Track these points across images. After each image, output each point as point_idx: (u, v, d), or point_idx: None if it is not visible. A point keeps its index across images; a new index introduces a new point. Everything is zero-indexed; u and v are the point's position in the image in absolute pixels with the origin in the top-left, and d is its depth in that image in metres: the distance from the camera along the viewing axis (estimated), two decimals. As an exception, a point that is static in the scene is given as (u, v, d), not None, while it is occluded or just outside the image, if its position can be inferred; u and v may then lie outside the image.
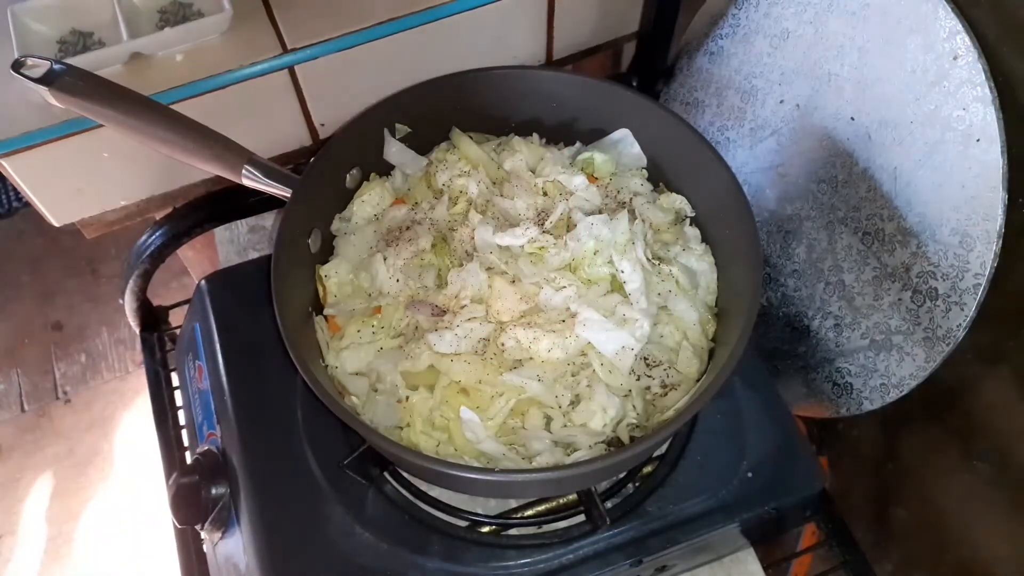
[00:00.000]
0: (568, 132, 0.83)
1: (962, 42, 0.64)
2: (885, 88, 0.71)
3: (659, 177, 0.81)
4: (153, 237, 0.90)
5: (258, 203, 0.92)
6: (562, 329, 0.68)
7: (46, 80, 0.67)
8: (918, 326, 0.71)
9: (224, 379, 0.79)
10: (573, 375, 0.68)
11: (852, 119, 0.75)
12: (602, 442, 0.66)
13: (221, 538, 0.78)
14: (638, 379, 0.68)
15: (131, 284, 0.93)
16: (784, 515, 0.75)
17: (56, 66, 0.67)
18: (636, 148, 0.81)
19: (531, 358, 0.69)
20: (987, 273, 0.65)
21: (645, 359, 0.69)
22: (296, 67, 0.82)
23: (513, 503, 0.74)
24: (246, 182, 0.71)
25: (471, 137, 0.82)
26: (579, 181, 0.77)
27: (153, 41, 0.78)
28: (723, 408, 0.76)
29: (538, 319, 0.69)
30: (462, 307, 0.70)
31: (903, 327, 0.73)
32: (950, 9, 0.64)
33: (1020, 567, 0.77)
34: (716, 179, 0.72)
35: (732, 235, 0.73)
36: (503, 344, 0.69)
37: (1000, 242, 0.63)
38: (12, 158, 0.77)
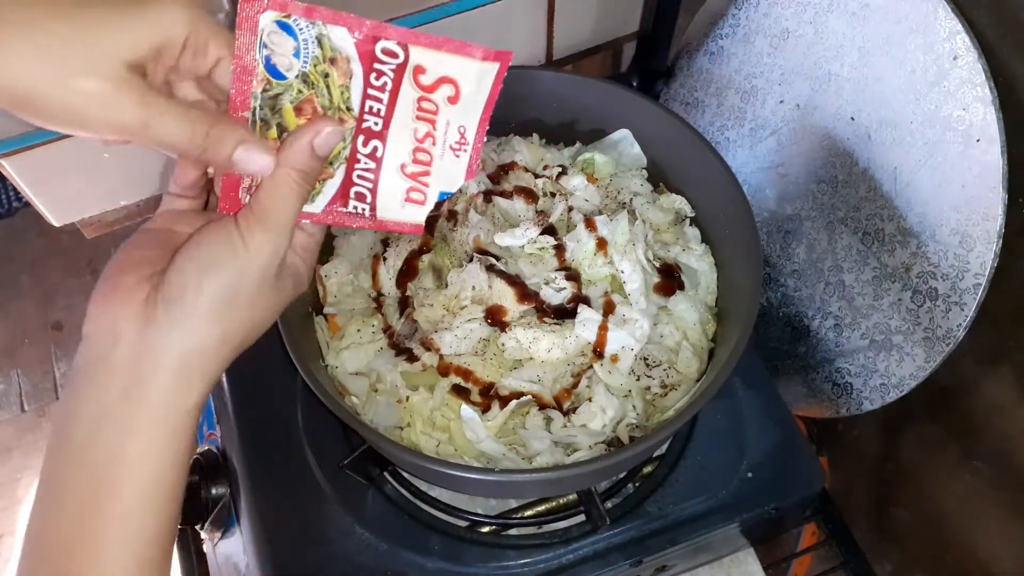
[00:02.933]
0: (568, 132, 0.83)
1: (962, 42, 0.64)
2: (885, 88, 0.71)
3: (659, 177, 0.81)
4: (153, 237, 0.90)
5: (258, 203, 0.91)
6: (562, 329, 0.68)
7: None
8: (918, 326, 0.71)
9: (224, 379, 0.79)
10: (573, 375, 0.68)
11: (852, 119, 0.75)
12: (602, 442, 0.66)
13: (221, 538, 0.78)
14: (638, 379, 0.68)
15: (131, 284, 0.93)
16: (784, 515, 0.75)
17: (56, 66, 0.67)
18: (636, 148, 0.81)
19: (531, 358, 0.69)
20: (987, 273, 0.65)
21: (645, 359, 0.69)
22: (296, 67, 0.82)
23: (513, 503, 0.74)
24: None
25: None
26: (579, 181, 0.77)
27: (153, 41, 0.78)
28: (723, 408, 0.76)
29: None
30: (462, 308, 0.70)
31: (903, 327, 0.73)
32: (950, 9, 0.64)
33: (1020, 567, 0.77)
34: (716, 179, 0.72)
35: (732, 235, 0.73)
36: (503, 344, 0.69)
37: (1000, 242, 0.63)
38: (12, 158, 0.77)
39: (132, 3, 0.38)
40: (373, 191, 0.50)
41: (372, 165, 0.49)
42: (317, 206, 0.49)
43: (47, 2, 0.36)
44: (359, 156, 0.48)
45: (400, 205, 0.51)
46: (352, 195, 0.49)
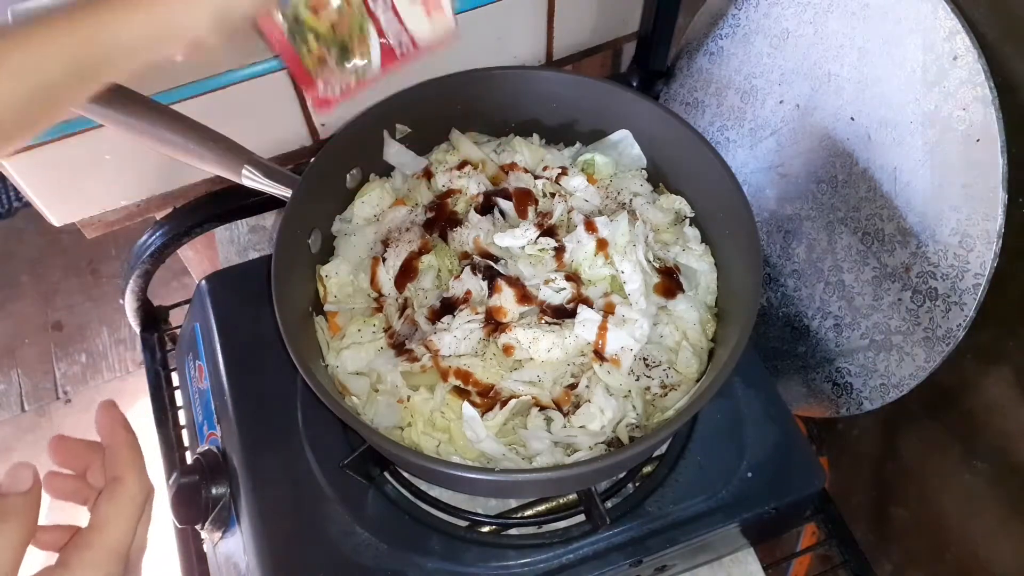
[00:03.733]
0: (568, 133, 0.83)
1: (962, 42, 0.64)
2: (885, 88, 0.71)
3: (659, 177, 0.81)
4: (153, 237, 0.90)
5: (258, 203, 0.92)
6: (561, 329, 0.68)
7: (46, 80, 0.67)
8: (918, 326, 0.71)
9: (224, 379, 0.79)
10: (573, 376, 0.68)
11: (852, 119, 0.75)
12: (602, 442, 0.66)
13: (221, 538, 0.78)
14: (637, 379, 0.68)
15: (131, 284, 0.93)
16: (784, 515, 0.75)
17: (56, 66, 0.67)
18: (636, 149, 0.81)
19: (531, 359, 0.69)
20: (987, 273, 0.65)
21: (644, 359, 0.69)
22: (296, 67, 0.82)
23: (513, 503, 0.74)
24: (246, 182, 0.71)
25: (471, 138, 0.82)
26: (579, 182, 0.77)
27: (153, 41, 0.78)
28: (723, 408, 0.76)
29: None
30: (460, 309, 0.70)
31: (903, 327, 0.73)
32: (950, 9, 0.64)
33: (1020, 567, 0.77)
34: (716, 179, 0.72)
35: (732, 235, 0.73)
36: (503, 345, 0.69)
37: (1000, 242, 0.63)
38: (12, 158, 0.77)
39: None
40: (404, 29, 0.57)
41: (390, 14, 0.56)
42: (373, 68, 0.57)
43: None
44: (376, 13, 0.55)
45: (428, 23, 0.57)
46: (395, 44, 0.57)
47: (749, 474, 0.74)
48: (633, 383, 0.68)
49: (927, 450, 0.85)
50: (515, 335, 0.68)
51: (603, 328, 0.68)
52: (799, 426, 0.78)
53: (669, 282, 0.72)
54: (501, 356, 0.69)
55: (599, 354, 0.68)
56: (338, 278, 0.76)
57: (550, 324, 0.69)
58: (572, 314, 0.69)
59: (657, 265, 0.73)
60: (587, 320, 0.68)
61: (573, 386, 0.68)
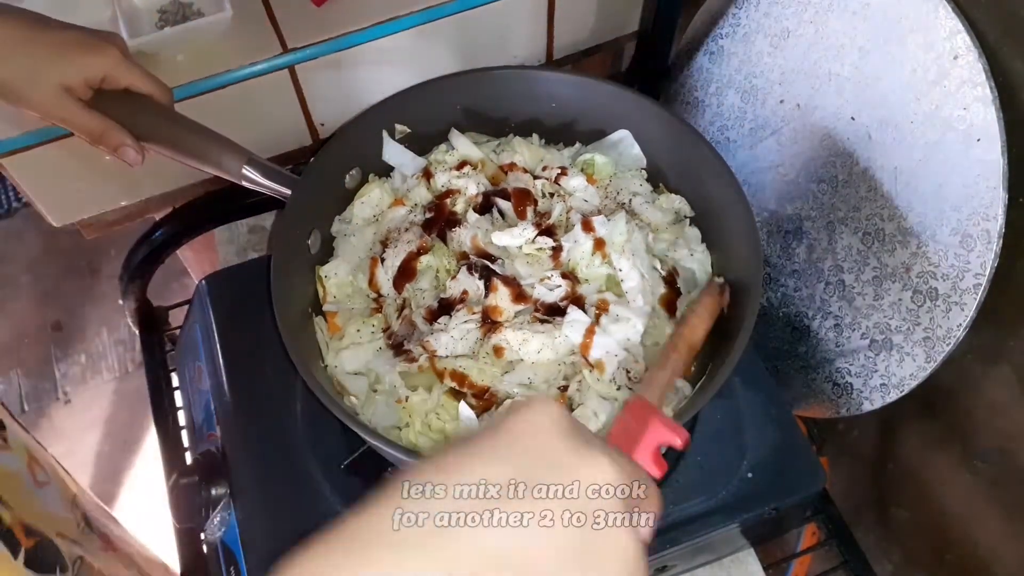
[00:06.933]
0: (568, 133, 0.83)
1: (962, 42, 0.64)
2: (885, 88, 0.71)
3: (659, 177, 0.81)
4: (153, 237, 0.90)
5: (258, 203, 0.92)
6: (551, 330, 0.68)
7: (46, 80, 0.67)
8: (918, 326, 0.71)
9: (224, 379, 0.79)
10: (566, 377, 0.68)
11: (852, 119, 0.75)
12: (602, 442, 0.65)
13: (221, 538, 0.78)
14: (618, 388, 0.67)
15: (131, 284, 0.93)
16: (784, 515, 0.75)
17: (56, 66, 0.67)
18: (636, 149, 0.81)
19: (522, 360, 0.68)
20: (987, 273, 0.65)
21: (628, 372, 0.68)
22: (296, 67, 0.82)
23: (513, 503, 0.74)
24: (246, 182, 0.71)
25: (471, 138, 0.82)
26: (578, 182, 0.77)
27: (153, 41, 0.78)
28: (723, 408, 0.76)
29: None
30: (457, 309, 0.70)
31: (903, 327, 0.73)
32: (950, 9, 0.64)
33: (1020, 567, 0.77)
34: (716, 179, 0.72)
35: (732, 235, 0.73)
36: (494, 347, 0.68)
37: (1000, 242, 0.63)
38: (12, 158, 0.77)
39: (73, 48, 0.61)
40: None
41: None
42: None
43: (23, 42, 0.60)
44: None
45: None
46: None
47: (749, 474, 0.73)
48: (615, 391, 0.67)
49: (927, 450, 0.85)
50: (505, 336, 0.68)
51: (591, 332, 0.67)
52: (799, 426, 0.78)
53: (672, 294, 0.72)
54: (494, 357, 0.69)
55: (586, 357, 0.68)
56: (337, 278, 0.76)
57: (541, 323, 0.68)
58: (564, 312, 0.69)
59: (663, 273, 0.73)
60: (575, 321, 0.68)
61: (565, 388, 0.68)
